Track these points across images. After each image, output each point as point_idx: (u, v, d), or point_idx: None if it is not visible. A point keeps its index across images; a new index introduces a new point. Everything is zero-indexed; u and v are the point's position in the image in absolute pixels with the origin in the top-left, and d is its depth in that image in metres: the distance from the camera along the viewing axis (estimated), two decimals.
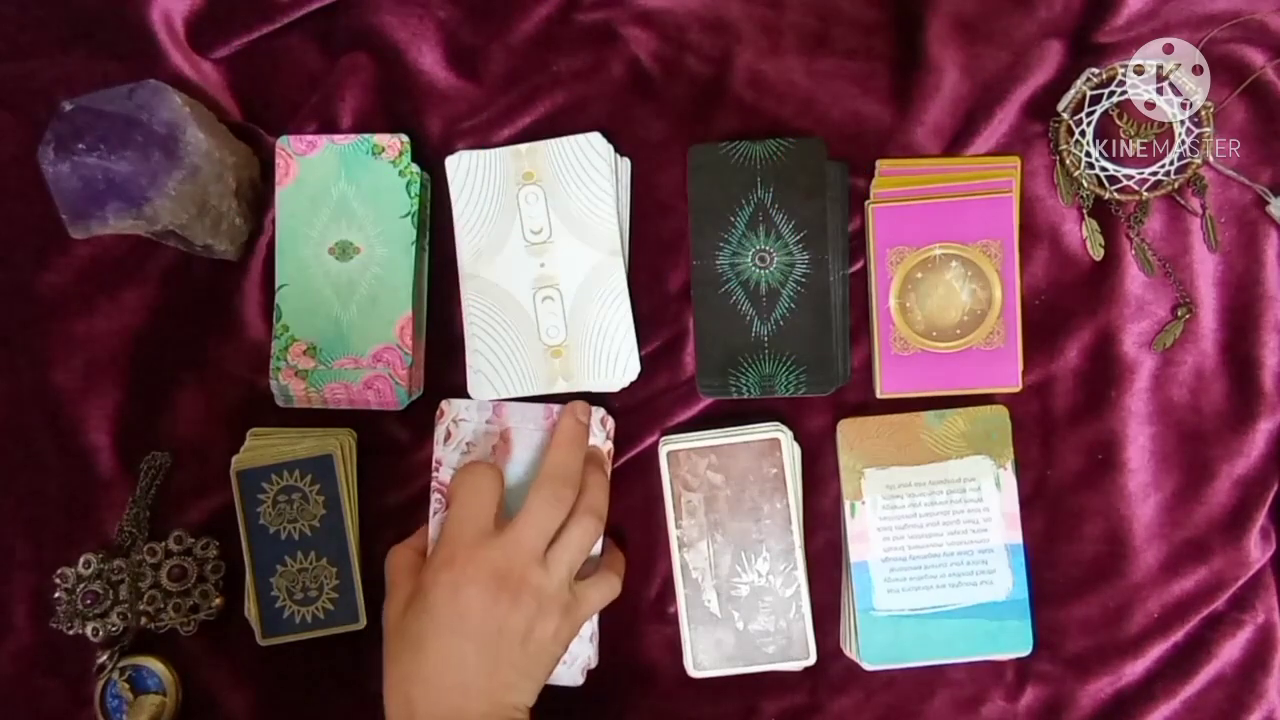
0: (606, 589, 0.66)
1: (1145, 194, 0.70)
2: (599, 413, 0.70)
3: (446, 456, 0.69)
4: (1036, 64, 0.70)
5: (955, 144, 0.71)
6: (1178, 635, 0.69)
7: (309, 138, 0.71)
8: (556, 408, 0.69)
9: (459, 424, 0.69)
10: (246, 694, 0.71)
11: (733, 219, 0.68)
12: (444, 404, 0.69)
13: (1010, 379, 0.69)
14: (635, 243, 0.71)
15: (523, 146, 0.70)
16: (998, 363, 0.69)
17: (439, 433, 0.69)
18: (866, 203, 0.70)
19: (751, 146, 0.69)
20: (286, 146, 0.70)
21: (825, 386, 0.69)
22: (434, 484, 0.69)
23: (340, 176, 0.70)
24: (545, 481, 0.64)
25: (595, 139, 0.69)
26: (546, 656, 0.63)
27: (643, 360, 0.70)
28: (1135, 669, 0.70)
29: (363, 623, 0.70)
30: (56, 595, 0.70)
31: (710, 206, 0.69)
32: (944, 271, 0.69)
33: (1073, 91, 0.69)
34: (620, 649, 0.71)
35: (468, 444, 0.69)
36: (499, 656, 0.60)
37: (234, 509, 0.70)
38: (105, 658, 0.70)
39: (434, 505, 0.69)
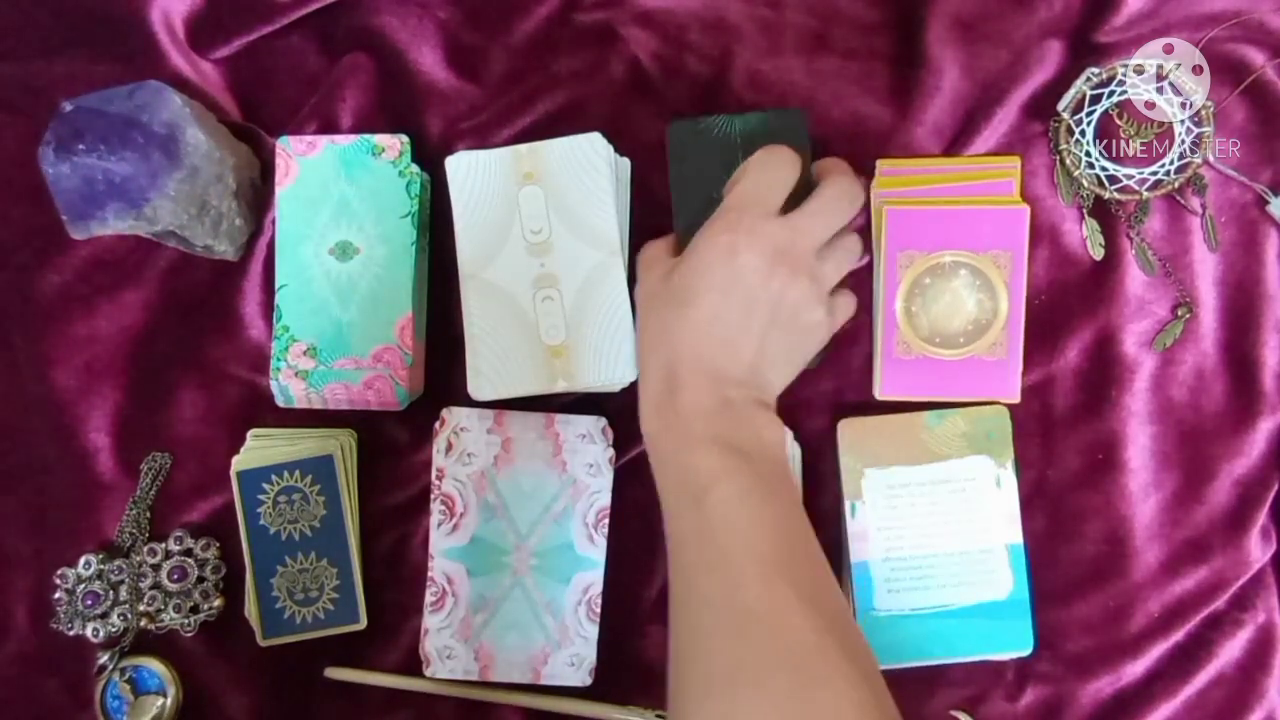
0: (849, 306, 0.65)
1: (1145, 194, 0.70)
2: (600, 421, 0.70)
3: (449, 467, 0.69)
4: (1036, 64, 0.70)
5: (955, 144, 0.71)
6: (1178, 635, 0.69)
7: (309, 138, 0.70)
8: (558, 417, 0.69)
9: (460, 433, 0.69)
10: (246, 694, 0.71)
11: (715, 195, 0.67)
12: (445, 413, 0.69)
13: (1009, 391, 0.69)
14: (635, 243, 0.71)
15: (523, 146, 0.70)
16: (997, 374, 0.69)
17: (440, 442, 0.69)
18: (880, 204, 0.69)
19: (732, 120, 0.68)
20: (286, 147, 0.70)
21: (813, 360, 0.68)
22: (435, 493, 0.69)
23: (340, 177, 0.70)
24: (837, 179, 0.62)
25: (595, 139, 0.69)
26: (809, 344, 0.62)
27: None
28: (1135, 669, 0.69)
29: (363, 623, 0.70)
30: (56, 595, 0.70)
31: (691, 183, 0.67)
32: (952, 278, 0.69)
33: (1073, 91, 0.69)
34: (621, 649, 0.71)
35: (469, 454, 0.69)
36: (769, 325, 0.59)
37: (234, 509, 0.70)
38: (106, 658, 0.70)
39: (436, 516, 0.69)
